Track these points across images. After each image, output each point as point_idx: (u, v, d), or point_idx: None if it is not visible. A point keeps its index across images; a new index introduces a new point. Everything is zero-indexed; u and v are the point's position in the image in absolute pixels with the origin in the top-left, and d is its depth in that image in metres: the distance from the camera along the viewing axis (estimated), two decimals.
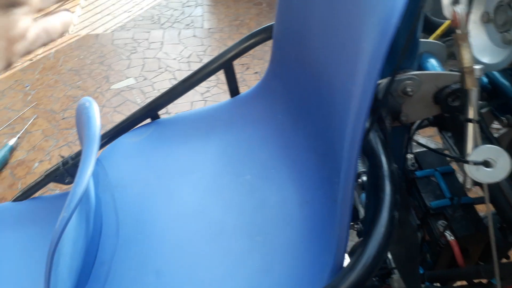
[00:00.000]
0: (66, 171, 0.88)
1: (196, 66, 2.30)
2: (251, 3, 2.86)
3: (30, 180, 1.73)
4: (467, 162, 0.41)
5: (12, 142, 1.85)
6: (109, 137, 0.81)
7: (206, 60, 2.35)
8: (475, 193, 0.83)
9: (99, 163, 0.78)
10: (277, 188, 0.69)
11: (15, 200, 0.97)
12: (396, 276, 0.75)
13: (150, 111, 0.81)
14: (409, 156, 0.73)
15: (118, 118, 1.99)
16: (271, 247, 0.62)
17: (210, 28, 2.62)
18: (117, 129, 0.80)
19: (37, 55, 2.43)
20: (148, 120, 0.83)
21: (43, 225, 0.92)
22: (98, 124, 0.55)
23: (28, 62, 2.38)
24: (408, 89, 0.48)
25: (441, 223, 0.65)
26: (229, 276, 0.60)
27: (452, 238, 0.63)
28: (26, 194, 0.95)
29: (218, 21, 2.69)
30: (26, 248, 0.89)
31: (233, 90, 0.80)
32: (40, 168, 1.77)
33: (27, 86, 2.21)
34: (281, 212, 0.66)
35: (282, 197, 0.68)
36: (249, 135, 0.76)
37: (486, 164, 0.40)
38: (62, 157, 0.90)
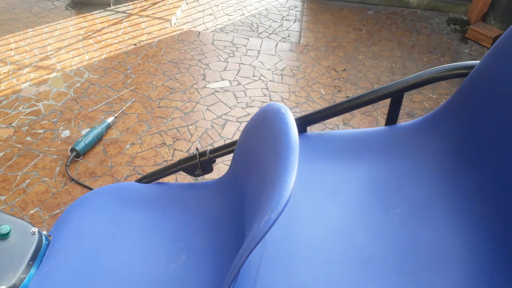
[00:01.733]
0: (201, 163, 0.91)
1: (289, 80, 2.32)
2: (351, 28, 2.85)
3: (120, 159, 1.80)
4: None
5: (109, 120, 1.94)
6: None
7: (299, 75, 2.36)
8: None
9: None
10: (431, 228, 0.67)
11: (140, 181, 1.00)
12: None
13: (300, 124, 0.81)
14: None
15: (210, 116, 2.04)
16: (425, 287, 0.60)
17: (306, 45, 2.64)
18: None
19: (141, 41, 2.54)
20: None
21: (164, 210, 0.95)
22: (297, 134, 0.55)
23: (133, 47, 2.49)
24: None
25: None
26: None
27: None
28: (153, 178, 0.98)
29: (316, 39, 2.70)
30: (144, 229, 0.91)
31: (393, 119, 0.79)
32: (131, 150, 1.84)
33: (129, 69, 2.31)
34: (435, 255, 0.64)
35: (436, 239, 0.66)
36: (402, 167, 0.74)
37: None
38: (198, 149, 0.93)
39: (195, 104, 2.10)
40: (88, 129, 1.90)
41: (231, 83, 2.27)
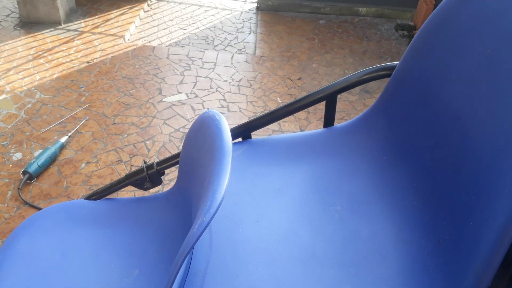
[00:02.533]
0: (149, 176, 0.91)
1: (246, 91, 2.35)
2: (304, 37, 2.92)
3: (76, 179, 1.76)
4: None
5: (63, 139, 1.90)
6: None
7: (256, 86, 2.39)
8: None
9: None
10: (369, 222, 0.70)
11: (89, 198, 0.99)
12: None
13: (245, 131, 0.83)
14: None
15: (167, 130, 2.03)
16: (364, 280, 0.63)
17: (262, 56, 2.68)
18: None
19: (94, 58, 2.51)
20: (239, 139, 0.85)
21: (114, 226, 0.94)
22: (230, 139, 0.57)
23: (86, 64, 2.46)
24: None
25: None
26: None
27: None
28: (101, 194, 0.97)
29: (270, 50, 2.75)
30: (95, 246, 0.90)
31: (329, 121, 0.82)
32: (87, 169, 1.81)
33: (82, 87, 2.28)
34: (373, 247, 0.67)
35: (374, 231, 0.69)
36: (341, 166, 0.77)
37: None
38: (145, 162, 0.93)
39: (151, 119, 2.09)
40: (41, 150, 1.85)
41: (188, 96, 2.27)
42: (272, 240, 0.69)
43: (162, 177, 0.93)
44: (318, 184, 0.76)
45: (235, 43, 2.82)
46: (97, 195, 0.96)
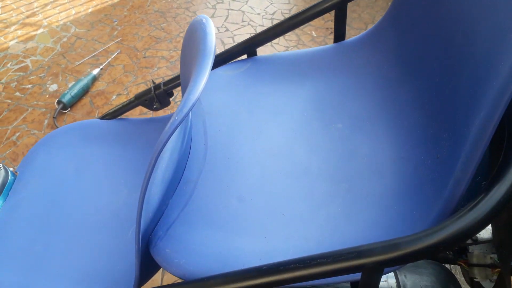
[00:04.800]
0: (156, 96, 0.91)
1: None
2: None
3: (107, 110, 1.81)
4: None
5: (95, 72, 1.94)
6: None
7: None
8: None
9: None
10: (370, 140, 0.67)
11: (103, 118, 1.01)
12: (477, 251, 0.72)
13: (249, 47, 0.80)
14: None
15: None
16: (356, 195, 0.61)
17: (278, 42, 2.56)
18: (214, 61, 0.80)
19: None
20: (245, 56, 0.83)
21: (125, 145, 0.96)
22: (214, 40, 0.55)
23: None
24: None
25: None
26: (309, 214, 0.59)
27: None
28: (114, 114, 0.99)
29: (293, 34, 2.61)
30: (107, 163, 0.93)
31: (340, 35, 0.77)
32: (118, 101, 1.85)
33: (115, 22, 2.29)
34: (370, 164, 0.64)
35: (374, 150, 0.65)
36: (346, 83, 0.73)
37: None
38: (154, 83, 0.92)
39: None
40: (74, 82, 1.91)
41: (218, 30, 2.23)
42: (267, 155, 0.67)
43: (171, 99, 0.93)
44: (321, 102, 0.73)
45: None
46: (110, 115, 0.97)
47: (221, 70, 0.79)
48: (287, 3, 2.42)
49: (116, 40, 2.16)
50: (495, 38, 0.43)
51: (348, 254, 0.41)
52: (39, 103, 1.85)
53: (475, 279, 0.70)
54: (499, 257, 0.69)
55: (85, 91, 1.86)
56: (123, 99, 1.85)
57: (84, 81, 1.86)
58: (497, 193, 0.40)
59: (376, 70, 0.71)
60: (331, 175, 0.64)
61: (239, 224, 0.60)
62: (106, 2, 2.42)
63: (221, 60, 0.80)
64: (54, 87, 1.92)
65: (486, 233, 0.73)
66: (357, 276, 0.48)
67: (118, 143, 0.94)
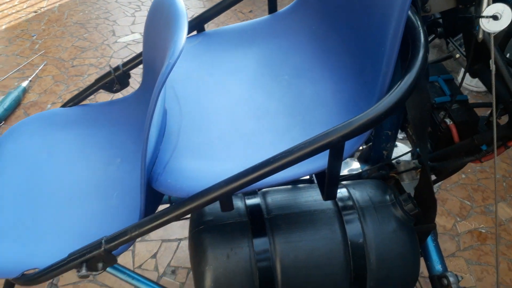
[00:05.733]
0: (117, 78, 1.00)
1: None
2: None
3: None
4: (482, 17, 0.57)
5: (24, 84, 1.93)
6: None
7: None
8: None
9: None
10: (312, 84, 0.84)
11: (65, 106, 1.08)
12: (402, 162, 0.92)
13: (198, 24, 0.94)
14: None
15: None
16: (311, 122, 0.77)
17: (225, 20, 2.73)
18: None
19: (41, 7, 2.48)
20: (195, 33, 0.96)
21: (92, 127, 1.04)
22: (183, 4, 0.67)
23: (33, 14, 2.43)
24: None
25: (442, 113, 0.81)
26: (276, 140, 0.74)
27: (451, 122, 0.79)
28: (76, 101, 1.06)
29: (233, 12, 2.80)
30: (78, 144, 1.01)
31: (272, 7, 0.94)
32: None
33: (33, 36, 2.27)
34: (317, 100, 0.81)
35: (317, 89, 0.83)
36: (286, 44, 0.90)
37: (495, 17, 0.56)
38: (110, 67, 1.02)
39: (109, 59, 2.14)
40: (3, 96, 1.88)
41: (141, 35, 2.31)
42: (233, 104, 0.82)
43: (130, 80, 1.04)
44: (269, 61, 0.89)
45: None
46: (72, 102, 1.05)
47: None
48: (202, 8, 2.58)
49: (40, 53, 2.15)
50: None
51: (319, 137, 0.57)
52: None
53: (402, 183, 0.90)
54: (419, 159, 0.90)
55: (17, 103, 1.85)
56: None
57: (15, 93, 1.85)
58: (409, 79, 0.58)
59: (307, 29, 0.89)
60: (287, 111, 0.80)
61: (221, 154, 0.73)
62: (20, 18, 2.39)
63: None
64: None
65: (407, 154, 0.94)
66: (323, 166, 0.65)
67: (85, 126, 1.02)
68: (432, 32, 0.86)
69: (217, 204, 0.69)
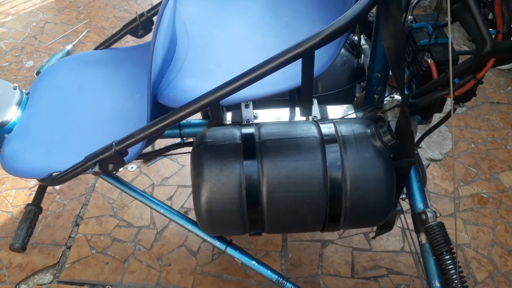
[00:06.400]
0: (141, 24, 1.13)
1: None
2: None
3: None
4: None
5: (68, 47, 2.12)
6: None
7: None
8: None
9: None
10: (308, 22, 0.92)
11: (97, 49, 1.23)
12: (387, 100, 0.99)
13: None
14: (409, 16, 0.96)
15: None
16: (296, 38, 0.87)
17: None
18: None
19: None
20: None
21: (118, 67, 1.18)
22: None
23: None
24: None
25: (427, 54, 0.88)
26: None
27: (432, 61, 0.86)
28: (107, 44, 1.21)
29: None
30: (104, 80, 1.15)
31: None
32: None
33: (80, 7, 2.47)
34: (306, 30, 0.90)
35: (311, 27, 0.92)
36: None
37: None
38: (137, 13, 1.15)
39: None
40: (49, 57, 2.08)
41: None
42: (234, 40, 0.92)
43: (153, 27, 1.16)
44: (272, 5, 0.99)
45: None
46: (103, 45, 1.19)
47: None
48: None
49: (84, 22, 2.34)
50: None
51: (291, 48, 0.67)
52: (18, 77, 2.01)
53: (388, 120, 0.97)
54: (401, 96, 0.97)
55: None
56: None
57: (59, 54, 2.04)
58: None
59: None
60: (282, 45, 0.89)
61: (218, 77, 0.84)
62: None
63: None
64: (30, 63, 2.08)
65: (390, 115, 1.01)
66: (297, 83, 0.74)
67: (112, 66, 1.16)
68: None
69: (216, 130, 0.80)
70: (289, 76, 0.72)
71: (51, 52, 2.13)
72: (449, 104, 0.91)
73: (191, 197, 1.51)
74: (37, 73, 1.95)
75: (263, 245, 1.36)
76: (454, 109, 0.96)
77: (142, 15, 1.12)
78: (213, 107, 0.75)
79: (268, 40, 0.91)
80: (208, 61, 0.88)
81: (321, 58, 0.74)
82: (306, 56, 0.67)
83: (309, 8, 0.95)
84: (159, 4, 1.11)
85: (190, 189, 1.53)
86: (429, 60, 0.87)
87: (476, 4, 0.73)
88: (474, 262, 1.26)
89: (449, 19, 0.73)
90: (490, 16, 0.78)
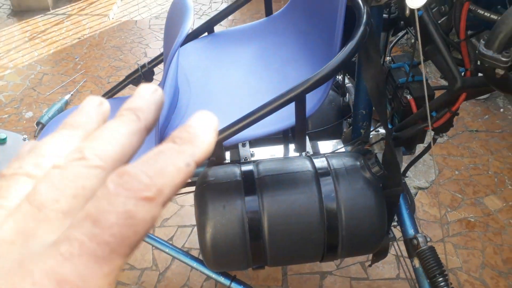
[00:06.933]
0: (143, 74, 1.22)
1: None
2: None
3: None
4: None
5: (67, 97, 2.20)
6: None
7: None
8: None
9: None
10: (295, 70, 1.02)
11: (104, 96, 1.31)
12: (373, 135, 1.08)
13: (208, 26, 1.16)
14: (388, 58, 1.07)
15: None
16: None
17: (233, 19, 3.00)
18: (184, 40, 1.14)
19: (84, 35, 2.81)
20: (206, 34, 1.18)
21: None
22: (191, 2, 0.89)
23: (77, 40, 2.76)
24: None
25: (406, 91, 0.98)
26: None
27: (411, 97, 0.96)
28: (109, 94, 1.29)
29: (241, 14, 3.07)
30: None
31: (268, 11, 1.15)
32: None
33: (76, 58, 2.58)
34: (298, 80, 1.00)
35: (298, 73, 1.01)
36: (277, 40, 1.09)
37: None
38: (138, 64, 1.24)
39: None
40: (48, 108, 2.16)
41: None
42: (232, 87, 1.01)
43: (154, 77, 1.26)
44: (263, 54, 1.09)
45: (209, 12, 3.14)
46: (106, 96, 1.27)
47: (190, 44, 1.14)
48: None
49: (81, 72, 2.45)
50: None
51: (285, 93, 0.75)
52: (18, 128, 2.08)
53: (375, 152, 1.06)
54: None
55: (59, 113, 2.12)
56: None
57: (58, 104, 2.12)
58: (350, 46, 0.76)
59: (295, 27, 1.09)
60: (274, 90, 0.98)
61: (221, 120, 0.92)
62: (66, 43, 2.72)
63: (188, 37, 1.15)
64: (29, 114, 2.16)
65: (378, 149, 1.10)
66: (291, 123, 0.82)
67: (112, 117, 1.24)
68: (398, 29, 1.04)
69: (218, 169, 0.88)
70: (284, 117, 0.81)
71: (50, 102, 2.22)
72: (430, 135, 1.00)
73: (191, 237, 1.56)
74: (37, 123, 2.03)
75: (264, 280, 1.40)
76: (435, 140, 1.06)
77: (143, 66, 1.22)
78: (216, 147, 0.83)
79: (262, 85, 1.00)
80: (209, 106, 0.97)
81: (312, 100, 0.82)
82: (299, 99, 0.76)
83: (295, 55, 1.05)
84: (159, 56, 1.21)
85: (190, 229, 1.58)
86: (408, 96, 0.96)
87: (445, 46, 0.83)
88: (468, 285, 1.32)
89: (422, 61, 0.83)
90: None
